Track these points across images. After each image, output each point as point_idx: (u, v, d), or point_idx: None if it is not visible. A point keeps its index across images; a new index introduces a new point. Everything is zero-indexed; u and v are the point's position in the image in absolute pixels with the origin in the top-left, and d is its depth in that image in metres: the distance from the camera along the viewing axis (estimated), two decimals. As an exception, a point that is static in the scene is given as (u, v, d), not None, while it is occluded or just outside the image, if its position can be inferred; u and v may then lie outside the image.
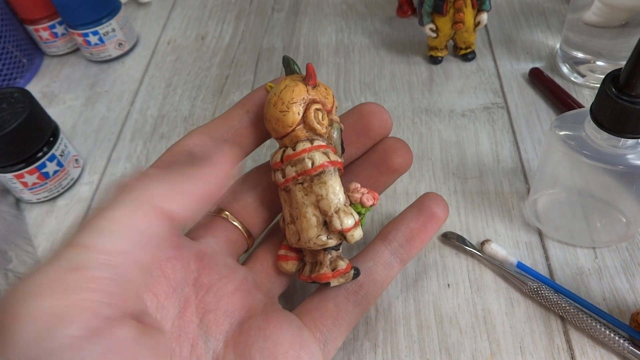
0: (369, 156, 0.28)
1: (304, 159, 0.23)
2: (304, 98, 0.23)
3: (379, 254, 0.26)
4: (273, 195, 0.26)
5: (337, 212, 0.23)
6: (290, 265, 0.26)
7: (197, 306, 0.23)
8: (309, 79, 0.23)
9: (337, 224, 0.23)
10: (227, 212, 0.26)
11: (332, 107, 0.25)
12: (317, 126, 0.24)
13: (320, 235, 0.23)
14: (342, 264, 0.24)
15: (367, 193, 0.24)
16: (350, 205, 0.24)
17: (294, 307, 0.26)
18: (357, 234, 0.23)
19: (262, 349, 0.22)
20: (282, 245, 0.26)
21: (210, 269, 0.24)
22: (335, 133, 0.25)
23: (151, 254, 0.18)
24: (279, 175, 0.25)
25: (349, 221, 0.23)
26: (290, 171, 0.24)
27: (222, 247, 0.25)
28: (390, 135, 0.28)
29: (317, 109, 0.24)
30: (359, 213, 0.24)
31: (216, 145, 0.23)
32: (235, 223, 0.26)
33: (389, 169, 0.27)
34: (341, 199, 0.23)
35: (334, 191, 0.23)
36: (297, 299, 0.30)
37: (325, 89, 0.24)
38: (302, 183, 0.24)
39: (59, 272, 0.16)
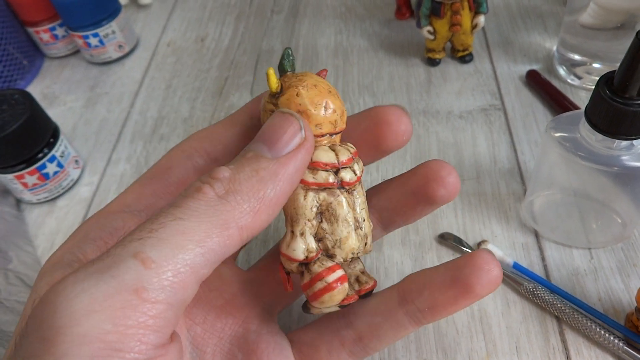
0: (407, 179, 0.24)
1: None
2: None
3: (392, 313, 0.22)
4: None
5: None
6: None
7: (185, 318, 0.22)
8: None
9: None
10: None
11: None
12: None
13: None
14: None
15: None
16: None
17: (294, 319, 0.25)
18: None
19: None
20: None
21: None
22: None
23: (211, 271, 0.16)
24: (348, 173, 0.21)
25: None
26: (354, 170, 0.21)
27: None
28: (446, 166, 0.23)
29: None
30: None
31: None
32: None
33: (428, 200, 0.23)
34: None
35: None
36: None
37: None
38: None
39: (120, 290, 0.14)
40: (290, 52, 0.22)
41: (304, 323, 0.27)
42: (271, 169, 0.17)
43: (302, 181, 0.20)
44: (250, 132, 0.24)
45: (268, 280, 0.25)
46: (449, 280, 0.20)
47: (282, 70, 0.22)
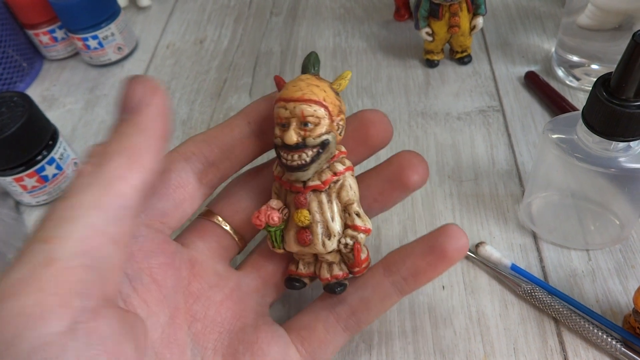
0: (382, 169, 0.26)
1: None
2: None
3: (379, 285, 0.24)
4: (265, 199, 0.26)
5: None
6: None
7: (185, 314, 0.23)
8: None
9: None
10: (219, 217, 0.26)
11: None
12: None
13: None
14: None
15: (262, 212, 0.23)
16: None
17: (285, 314, 0.26)
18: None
19: None
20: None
21: (200, 277, 0.24)
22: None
23: (126, 226, 0.18)
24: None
25: None
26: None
27: (213, 253, 0.25)
28: (417, 155, 0.26)
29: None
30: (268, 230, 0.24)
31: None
32: (227, 227, 0.26)
33: (403, 186, 0.25)
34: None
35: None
36: (291, 305, 0.31)
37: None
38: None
39: (32, 269, 0.15)
40: (314, 56, 0.23)
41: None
42: (134, 122, 0.19)
43: None
44: (247, 136, 0.25)
45: (257, 277, 0.26)
46: (427, 249, 0.23)
47: (305, 72, 0.23)
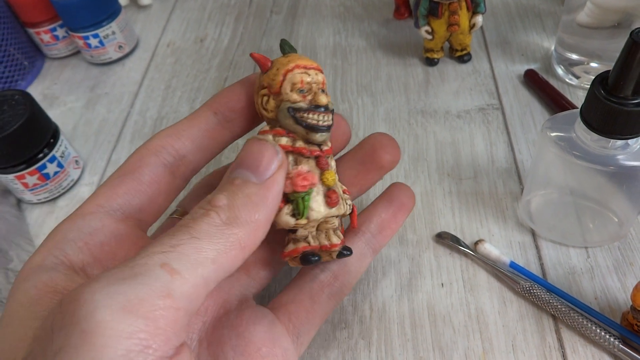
0: (355, 152, 0.28)
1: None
2: (259, 86, 0.24)
3: (354, 246, 0.26)
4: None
5: None
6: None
7: None
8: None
9: None
10: None
11: (279, 85, 0.22)
12: (263, 112, 0.23)
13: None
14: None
15: (297, 177, 0.23)
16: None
17: (268, 299, 0.26)
18: (281, 219, 0.23)
19: (235, 347, 0.22)
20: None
21: None
22: (282, 113, 0.23)
23: (216, 284, 0.18)
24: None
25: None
26: None
27: None
28: (387, 136, 0.28)
29: (262, 95, 0.23)
30: (291, 201, 0.23)
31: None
32: None
33: (376, 166, 0.27)
34: None
35: None
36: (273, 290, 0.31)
37: (277, 69, 0.22)
38: None
39: (151, 295, 0.15)
40: (287, 42, 0.23)
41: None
42: (260, 193, 0.20)
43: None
44: (214, 127, 0.25)
45: (239, 269, 0.26)
46: (386, 204, 0.27)
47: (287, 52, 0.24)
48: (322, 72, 0.23)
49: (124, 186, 0.22)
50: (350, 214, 0.25)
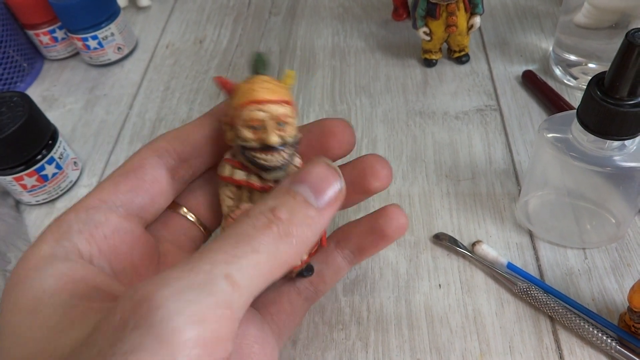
0: (345, 171, 0.25)
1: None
2: (224, 113, 0.23)
3: (332, 259, 0.27)
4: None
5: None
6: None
7: None
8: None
9: None
10: (184, 208, 0.26)
11: (234, 119, 0.22)
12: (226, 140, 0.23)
13: None
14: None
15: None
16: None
17: None
18: None
19: None
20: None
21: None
22: (236, 148, 0.23)
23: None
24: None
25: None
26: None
27: (182, 245, 0.25)
28: (380, 160, 0.26)
29: (224, 123, 0.23)
30: None
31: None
32: (192, 218, 0.26)
33: (363, 190, 0.26)
34: (224, 210, 0.24)
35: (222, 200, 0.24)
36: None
37: (235, 100, 0.22)
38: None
39: (216, 306, 0.16)
40: (263, 57, 0.22)
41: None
42: (317, 219, 0.19)
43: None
44: (217, 134, 0.25)
45: None
46: (368, 229, 0.26)
47: (256, 73, 0.22)
48: (286, 103, 0.21)
49: (127, 183, 0.22)
50: None
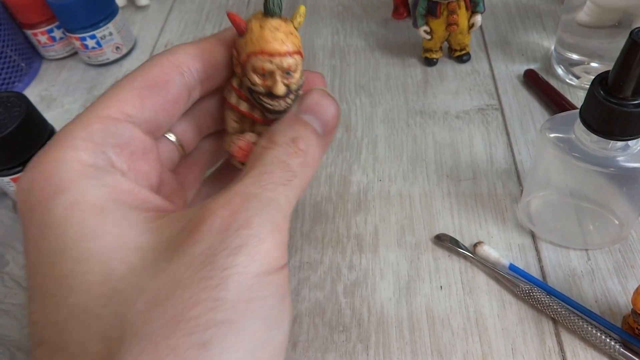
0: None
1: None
2: (234, 43, 0.23)
3: None
4: (213, 115, 0.26)
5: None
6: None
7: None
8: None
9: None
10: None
11: (244, 61, 0.22)
12: (234, 67, 0.24)
13: None
14: None
15: (240, 149, 0.24)
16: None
17: None
18: None
19: None
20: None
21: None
22: (243, 86, 0.23)
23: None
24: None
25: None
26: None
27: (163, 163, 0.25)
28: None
29: (233, 56, 0.23)
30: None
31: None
32: (172, 139, 0.25)
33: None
34: (229, 129, 0.25)
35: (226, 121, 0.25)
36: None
37: (245, 43, 0.22)
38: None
39: (283, 220, 0.19)
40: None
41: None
42: (322, 146, 0.22)
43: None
44: (228, 60, 0.24)
45: None
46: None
47: (268, 14, 0.22)
48: (296, 53, 0.22)
49: (153, 100, 0.22)
50: None
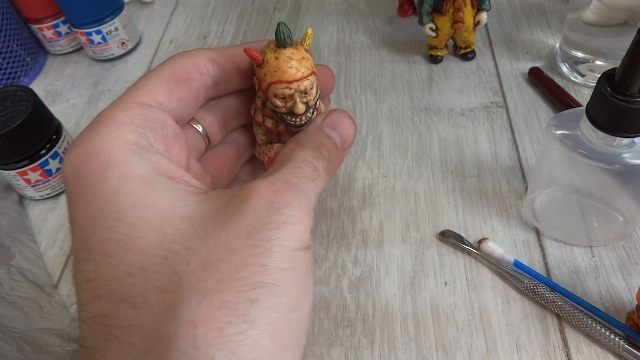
0: None
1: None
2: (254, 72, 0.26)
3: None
4: (238, 108, 0.28)
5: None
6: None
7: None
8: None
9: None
10: (194, 119, 0.27)
11: (265, 90, 0.25)
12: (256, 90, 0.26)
13: None
14: None
15: (270, 159, 0.27)
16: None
17: None
18: None
19: None
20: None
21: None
22: (268, 107, 0.26)
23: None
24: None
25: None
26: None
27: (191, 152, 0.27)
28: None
29: (255, 82, 0.26)
30: None
31: None
32: (199, 129, 0.27)
33: None
34: (259, 141, 0.28)
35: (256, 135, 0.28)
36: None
37: (264, 74, 0.24)
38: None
39: (310, 209, 0.21)
40: (285, 27, 0.24)
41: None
42: (339, 160, 0.25)
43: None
44: (248, 70, 0.26)
45: None
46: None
47: (281, 46, 0.24)
48: (310, 75, 0.24)
49: (180, 92, 0.24)
50: None
